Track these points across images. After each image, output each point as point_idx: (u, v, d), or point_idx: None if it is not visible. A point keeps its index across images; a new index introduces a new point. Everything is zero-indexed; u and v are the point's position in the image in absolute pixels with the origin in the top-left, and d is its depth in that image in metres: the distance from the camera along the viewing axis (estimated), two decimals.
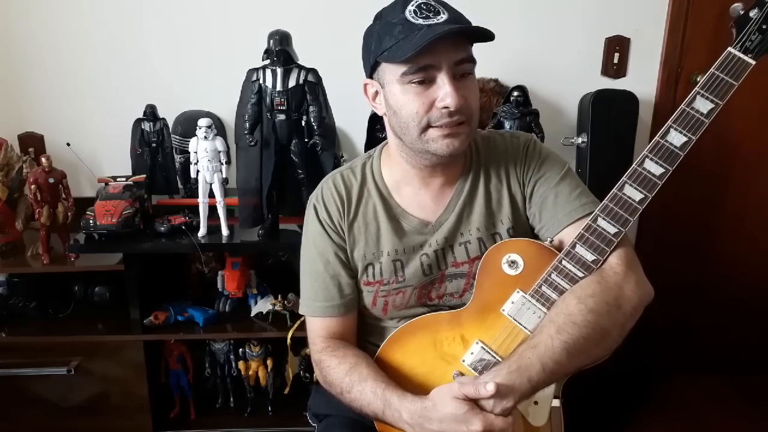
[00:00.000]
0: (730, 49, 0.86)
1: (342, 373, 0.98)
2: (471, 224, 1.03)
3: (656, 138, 0.89)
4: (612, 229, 0.91)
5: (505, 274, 0.97)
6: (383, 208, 1.04)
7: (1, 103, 1.90)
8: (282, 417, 1.75)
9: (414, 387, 0.96)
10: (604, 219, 0.91)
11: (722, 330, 2.15)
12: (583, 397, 1.31)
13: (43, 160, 1.58)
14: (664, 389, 2.09)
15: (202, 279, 1.82)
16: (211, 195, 1.54)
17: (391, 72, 0.91)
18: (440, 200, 1.04)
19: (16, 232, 1.75)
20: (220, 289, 1.70)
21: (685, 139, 0.88)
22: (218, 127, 1.80)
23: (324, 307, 1.05)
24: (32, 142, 1.90)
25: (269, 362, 1.71)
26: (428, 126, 0.91)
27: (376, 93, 0.98)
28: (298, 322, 1.59)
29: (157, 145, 1.71)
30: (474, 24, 0.90)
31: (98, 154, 1.92)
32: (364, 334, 1.11)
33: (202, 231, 1.56)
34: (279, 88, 1.44)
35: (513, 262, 0.97)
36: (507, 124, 1.71)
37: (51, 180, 1.59)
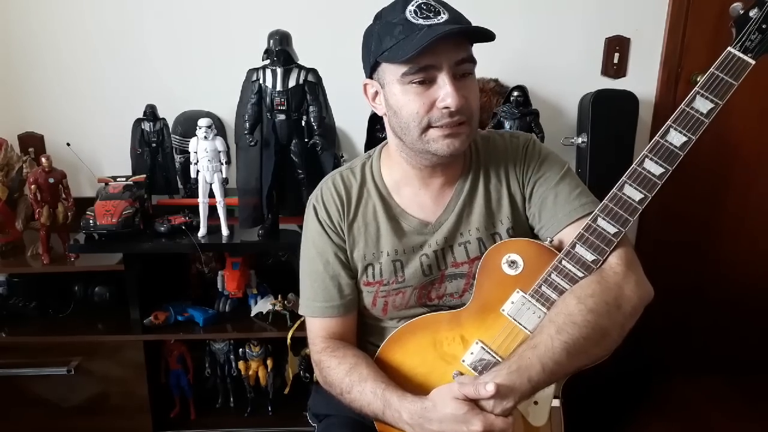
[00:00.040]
0: (729, 48, 0.86)
1: (342, 374, 0.98)
2: (471, 224, 1.03)
3: (656, 138, 0.89)
4: (612, 229, 0.91)
5: (504, 274, 0.97)
6: (383, 209, 1.04)
7: (1, 103, 1.90)
8: (282, 417, 1.75)
9: (414, 387, 0.96)
10: (603, 219, 0.91)
11: (722, 330, 2.15)
12: (583, 397, 1.31)
13: (43, 160, 1.58)
14: (664, 389, 2.09)
15: (202, 279, 1.82)
16: (211, 195, 1.54)
17: (391, 72, 0.91)
18: (440, 200, 1.04)
19: (16, 232, 1.75)
20: (220, 289, 1.70)
21: (684, 138, 0.88)
22: (218, 127, 1.80)
23: (324, 307, 1.05)
24: (32, 142, 1.90)
25: (269, 362, 1.71)
26: (429, 126, 0.91)
27: (376, 93, 0.98)
28: (298, 322, 1.59)
29: (157, 145, 1.71)
30: (474, 24, 0.90)
31: (98, 154, 1.92)
32: (364, 334, 1.11)
33: (202, 231, 1.56)
34: (279, 88, 1.44)
35: (513, 262, 0.97)
36: (507, 124, 1.71)
37: (51, 180, 1.59)
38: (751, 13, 0.85)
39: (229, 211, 1.60)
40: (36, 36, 1.85)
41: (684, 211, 2.03)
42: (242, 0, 1.83)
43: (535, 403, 0.94)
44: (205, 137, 1.50)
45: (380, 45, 0.90)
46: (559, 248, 0.95)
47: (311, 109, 1.46)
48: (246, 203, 1.56)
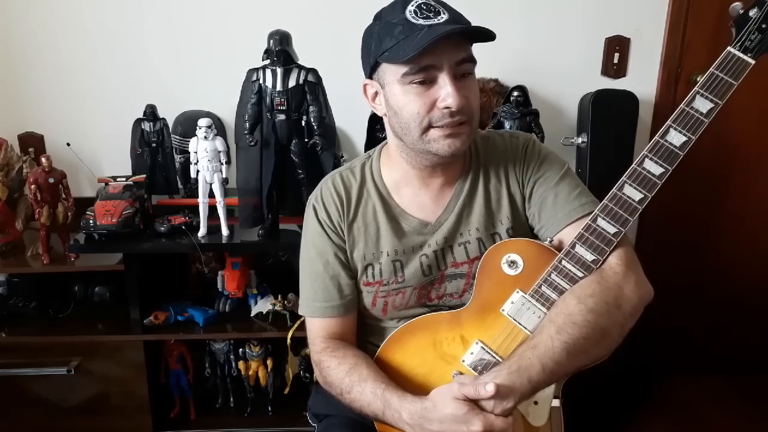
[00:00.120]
0: (729, 48, 0.86)
1: (342, 374, 0.98)
2: (470, 224, 1.03)
3: (656, 138, 0.89)
4: (612, 229, 0.91)
5: (504, 274, 0.97)
6: (383, 209, 1.04)
7: (1, 103, 1.90)
8: (282, 417, 1.75)
9: (414, 387, 0.96)
10: (603, 219, 0.91)
11: (722, 330, 2.15)
12: (583, 397, 1.31)
13: (43, 160, 1.58)
14: (664, 389, 2.09)
15: (202, 279, 1.82)
16: (211, 195, 1.54)
17: (391, 72, 0.91)
18: (440, 201, 1.04)
19: (16, 232, 1.75)
20: (220, 289, 1.70)
21: (684, 138, 0.88)
22: (218, 127, 1.80)
23: (323, 307, 1.05)
24: (32, 142, 1.90)
25: (269, 362, 1.71)
26: (429, 126, 0.91)
27: (376, 93, 0.98)
28: (298, 322, 1.59)
29: (157, 145, 1.71)
30: (474, 24, 0.90)
31: (98, 154, 1.92)
32: (364, 334, 1.11)
33: (202, 231, 1.56)
34: (279, 88, 1.44)
35: (513, 262, 0.97)
36: (507, 124, 1.71)
37: (51, 180, 1.59)
38: (751, 13, 0.85)
39: (229, 211, 1.60)
40: (36, 36, 1.85)
41: (684, 211, 2.03)
42: (242, 0, 1.83)
43: (535, 403, 0.94)
44: (205, 137, 1.50)
45: (380, 45, 0.90)
46: (559, 248, 0.95)
47: (311, 109, 1.46)
48: (246, 203, 1.56)
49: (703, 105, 0.87)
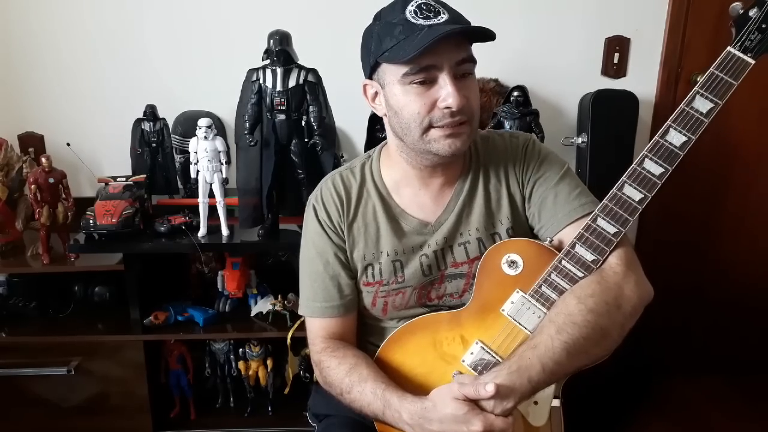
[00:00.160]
0: (729, 48, 0.86)
1: (342, 374, 0.98)
2: (470, 224, 1.03)
3: (656, 138, 0.89)
4: (612, 229, 0.91)
5: (504, 274, 0.97)
6: (383, 209, 1.04)
7: (1, 103, 1.90)
8: (282, 417, 1.75)
9: (414, 387, 0.96)
10: (603, 219, 0.91)
11: (722, 330, 2.15)
12: (583, 397, 1.31)
13: (43, 160, 1.58)
14: (664, 389, 2.09)
15: (202, 279, 1.82)
16: (211, 195, 1.54)
17: (391, 72, 0.91)
18: (440, 201, 1.04)
19: (16, 232, 1.75)
20: (220, 289, 1.70)
21: (684, 138, 0.88)
22: (218, 127, 1.80)
23: (323, 307, 1.05)
24: (32, 142, 1.90)
25: (269, 362, 1.71)
26: (430, 126, 0.91)
27: (376, 94, 0.98)
28: (298, 322, 1.59)
29: (157, 145, 1.71)
30: (474, 24, 0.90)
31: (98, 154, 1.92)
32: (363, 334, 1.11)
33: (202, 231, 1.56)
34: (279, 88, 1.44)
35: (512, 262, 0.97)
36: (507, 124, 1.71)
37: (51, 180, 1.59)
38: (751, 13, 0.85)
39: (229, 211, 1.60)
40: (36, 36, 1.85)
41: (684, 211, 2.03)
42: (242, 0, 1.83)
43: (535, 403, 0.94)
44: (205, 137, 1.50)
45: (380, 45, 0.90)
46: (559, 248, 0.95)
47: (311, 109, 1.46)
48: (246, 203, 1.56)
49: (703, 105, 0.87)
